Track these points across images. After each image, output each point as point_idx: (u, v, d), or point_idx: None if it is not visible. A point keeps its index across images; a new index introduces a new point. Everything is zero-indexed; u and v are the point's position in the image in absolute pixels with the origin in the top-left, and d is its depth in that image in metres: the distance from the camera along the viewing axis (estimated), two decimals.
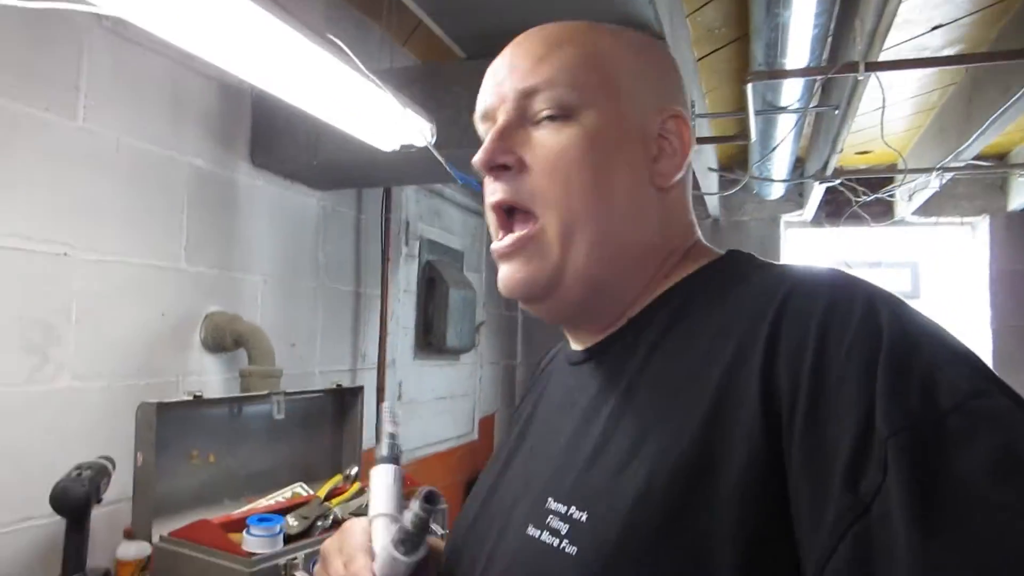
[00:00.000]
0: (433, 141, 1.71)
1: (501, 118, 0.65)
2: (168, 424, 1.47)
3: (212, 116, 2.15)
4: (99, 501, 1.51)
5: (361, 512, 1.54)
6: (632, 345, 0.63)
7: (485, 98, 0.68)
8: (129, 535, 1.56)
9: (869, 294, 0.52)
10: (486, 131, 0.67)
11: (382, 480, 0.70)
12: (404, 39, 2.76)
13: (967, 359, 0.49)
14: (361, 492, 1.55)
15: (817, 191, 3.78)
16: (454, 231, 3.78)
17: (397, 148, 1.78)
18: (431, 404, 3.52)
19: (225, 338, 2.06)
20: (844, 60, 2.07)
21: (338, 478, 1.59)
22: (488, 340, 4.23)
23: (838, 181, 3.48)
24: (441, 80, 2.03)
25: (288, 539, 1.32)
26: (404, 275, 3.26)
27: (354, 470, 1.63)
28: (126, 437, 1.77)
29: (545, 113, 0.63)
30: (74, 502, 1.44)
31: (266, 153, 2.29)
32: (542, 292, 0.64)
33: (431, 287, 3.44)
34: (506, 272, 0.65)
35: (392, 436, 0.73)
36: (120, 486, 1.64)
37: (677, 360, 0.58)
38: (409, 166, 2.16)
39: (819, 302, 0.52)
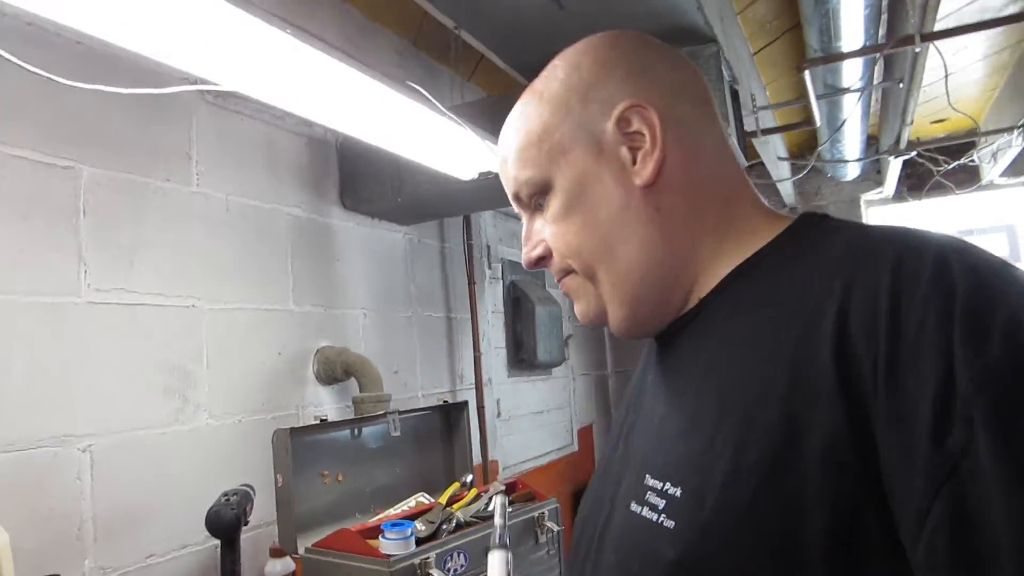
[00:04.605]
0: None
1: (524, 217, 0.75)
2: (299, 449, 1.62)
3: (304, 169, 2.35)
4: (246, 523, 1.68)
5: (480, 515, 1.65)
6: (706, 323, 0.66)
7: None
8: (275, 553, 1.72)
9: (938, 247, 0.52)
10: (522, 211, 0.77)
11: (497, 565, 0.89)
12: (469, 75, 2.92)
13: None
14: (478, 497, 1.66)
15: (895, 166, 3.72)
16: None
17: (476, 176, 1.91)
18: (529, 419, 3.63)
19: (336, 369, 2.23)
20: (900, 35, 2.09)
21: (456, 485, 1.71)
22: (577, 353, 4.31)
23: (914, 153, 3.43)
24: (508, 109, 2.16)
25: (418, 542, 1.44)
26: (491, 297, 3.39)
27: (469, 478, 1.75)
28: (259, 466, 1.94)
29: (536, 201, 0.72)
30: (226, 524, 1.60)
31: (354, 196, 2.47)
32: (599, 321, 0.73)
33: (517, 306, 3.56)
34: (574, 307, 0.76)
35: (503, 527, 0.91)
36: (258, 511, 1.80)
37: (751, 336, 0.60)
38: (486, 192, 2.29)
39: (886, 265, 0.52)
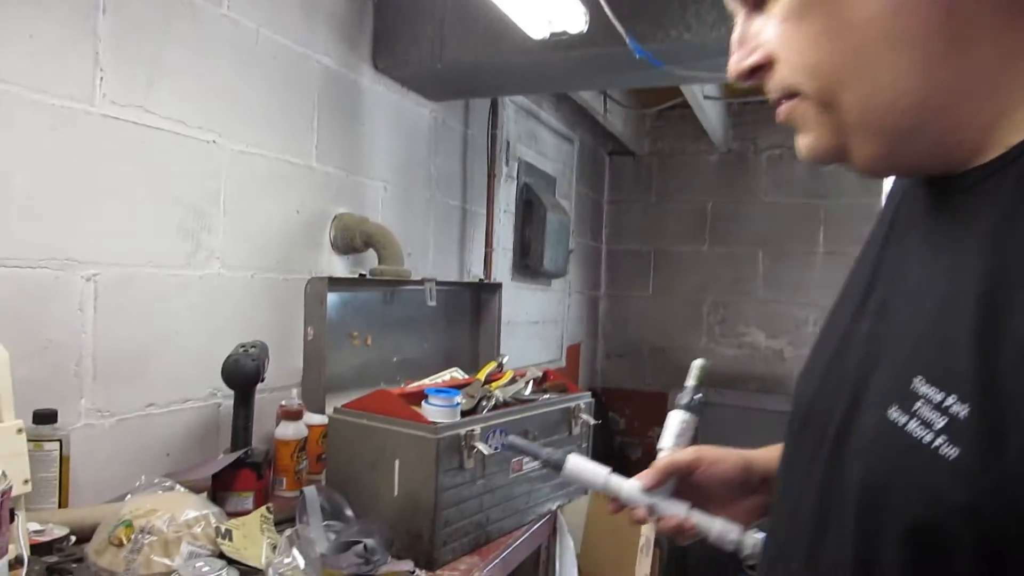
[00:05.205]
0: (586, 28, 1.64)
1: (738, 16, 0.55)
2: (330, 304, 1.48)
3: (339, 17, 2.12)
4: (262, 380, 1.54)
5: (518, 397, 1.54)
6: (1017, 187, 0.46)
7: None
8: (289, 416, 1.59)
9: None
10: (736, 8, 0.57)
11: (674, 423, 0.86)
12: None
13: None
14: (514, 379, 1.55)
15: None
16: (548, 155, 3.72)
17: (546, 36, 1.72)
18: (525, 326, 3.52)
19: (355, 238, 2.06)
20: None
21: (492, 365, 1.59)
22: (575, 270, 4.20)
23: None
24: None
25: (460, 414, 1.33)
26: (504, 195, 3.22)
27: (505, 358, 1.64)
28: (268, 326, 1.80)
29: None
30: (244, 375, 1.47)
31: (388, 57, 2.25)
32: (833, 159, 0.54)
33: (529, 209, 3.40)
34: (796, 140, 0.55)
35: (694, 389, 0.87)
36: (268, 375, 1.66)
37: None
38: (541, 65, 2.09)
39: None
